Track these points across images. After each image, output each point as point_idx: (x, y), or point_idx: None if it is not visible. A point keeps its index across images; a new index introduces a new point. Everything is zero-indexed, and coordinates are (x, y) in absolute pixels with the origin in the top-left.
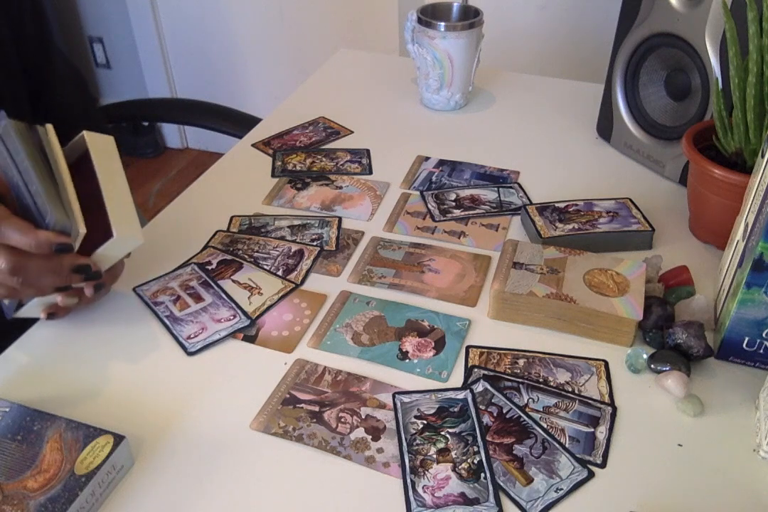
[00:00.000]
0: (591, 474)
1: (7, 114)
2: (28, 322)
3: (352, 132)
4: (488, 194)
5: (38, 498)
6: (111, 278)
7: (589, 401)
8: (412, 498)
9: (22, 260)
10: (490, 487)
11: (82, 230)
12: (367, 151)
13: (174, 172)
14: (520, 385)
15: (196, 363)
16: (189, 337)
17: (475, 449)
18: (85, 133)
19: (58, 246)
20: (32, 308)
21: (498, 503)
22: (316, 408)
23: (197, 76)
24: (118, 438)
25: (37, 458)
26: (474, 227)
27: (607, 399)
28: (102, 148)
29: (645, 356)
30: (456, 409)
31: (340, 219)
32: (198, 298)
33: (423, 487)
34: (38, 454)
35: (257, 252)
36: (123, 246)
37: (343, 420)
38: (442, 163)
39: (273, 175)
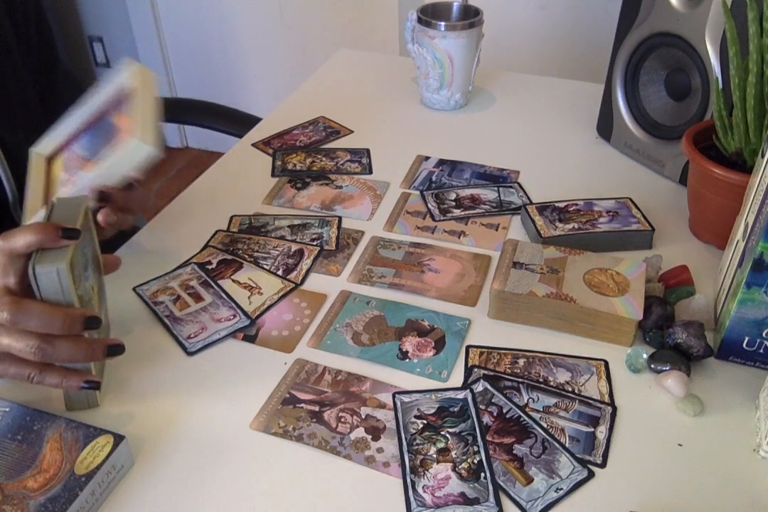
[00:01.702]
0: (591, 474)
1: (19, 119)
2: None
3: (352, 131)
4: (488, 194)
5: (38, 498)
6: (142, 208)
7: (589, 401)
8: (412, 498)
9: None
10: (490, 487)
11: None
12: (367, 150)
13: (174, 172)
14: (520, 385)
15: (196, 363)
16: (189, 337)
17: (475, 449)
18: (137, 65)
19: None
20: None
21: (498, 503)
22: (316, 408)
23: (197, 76)
24: (118, 438)
25: (37, 458)
26: (474, 227)
27: (607, 399)
28: (144, 77)
29: (645, 356)
30: (456, 409)
31: (340, 218)
32: (198, 298)
33: (423, 487)
34: (38, 454)
35: (257, 251)
36: (137, 152)
37: (343, 420)
38: (442, 162)
39: (273, 175)
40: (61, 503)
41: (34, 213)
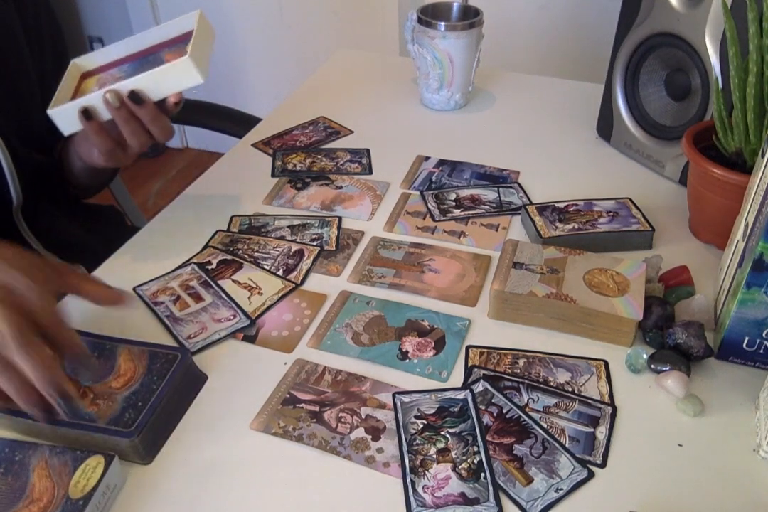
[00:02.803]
0: (591, 474)
1: (30, 124)
2: None
3: (352, 132)
4: (488, 194)
5: None
6: (164, 134)
7: (589, 401)
8: (412, 498)
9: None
10: (490, 487)
11: None
12: (367, 150)
13: (174, 172)
14: (520, 385)
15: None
16: (189, 337)
17: (475, 449)
18: (199, 11)
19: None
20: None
21: (498, 503)
22: (316, 408)
23: None
24: (109, 457)
25: (26, 488)
26: (474, 227)
27: (607, 399)
28: (205, 26)
29: (645, 356)
30: (456, 409)
31: (340, 219)
32: (198, 298)
33: (423, 487)
34: (26, 484)
35: (257, 252)
36: (185, 74)
37: (343, 420)
38: (442, 162)
39: (273, 175)
40: None
41: (60, 103)
